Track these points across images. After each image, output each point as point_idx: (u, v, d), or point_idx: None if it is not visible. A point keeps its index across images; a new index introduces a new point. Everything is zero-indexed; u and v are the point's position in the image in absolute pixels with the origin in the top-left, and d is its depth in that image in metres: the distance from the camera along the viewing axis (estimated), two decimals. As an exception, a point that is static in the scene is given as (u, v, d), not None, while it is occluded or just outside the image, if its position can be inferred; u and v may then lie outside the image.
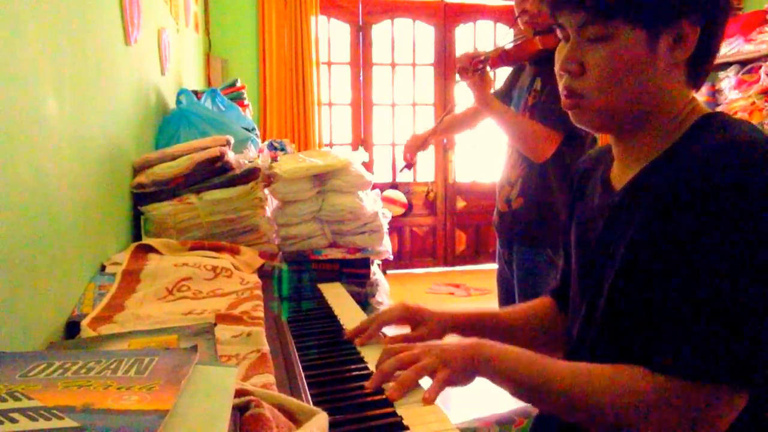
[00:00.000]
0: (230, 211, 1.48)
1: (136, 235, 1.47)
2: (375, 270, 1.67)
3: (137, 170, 1.51)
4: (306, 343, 0.98)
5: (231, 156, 1.59)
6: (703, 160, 0.67)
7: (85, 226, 1.12)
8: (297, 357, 0.88)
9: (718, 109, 3.25)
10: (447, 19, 5.09)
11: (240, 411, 0.53)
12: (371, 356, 0.90)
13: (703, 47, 0.75)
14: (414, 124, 5.15)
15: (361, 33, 4.93)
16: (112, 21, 1.40)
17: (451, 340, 0.91)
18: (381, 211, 1.73)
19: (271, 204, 1.69)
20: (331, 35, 4.87)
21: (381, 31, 5.02)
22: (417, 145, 2.00)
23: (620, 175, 0.83)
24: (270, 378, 0.75)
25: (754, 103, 3.45)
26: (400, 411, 0.72)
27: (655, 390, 0.66)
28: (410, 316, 0.99)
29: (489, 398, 1.26)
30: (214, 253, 1.32)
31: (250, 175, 1.53)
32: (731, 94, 3.66)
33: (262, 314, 0.99)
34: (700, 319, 0.64)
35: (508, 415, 1.04)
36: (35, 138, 0.88)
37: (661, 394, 0.66)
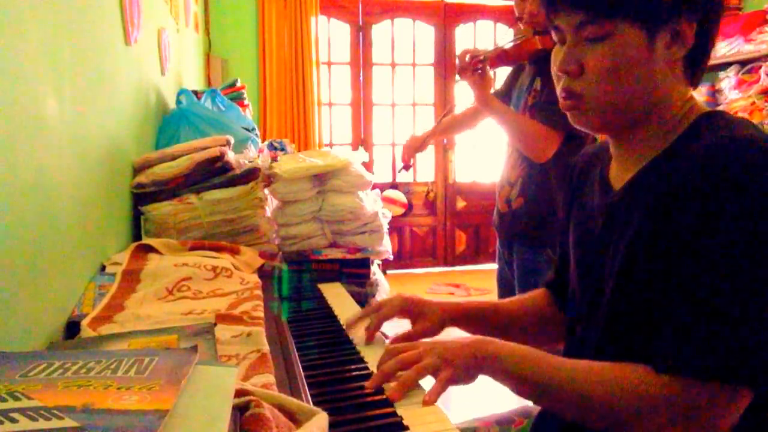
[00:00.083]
0: (230, 211, 1.48)
1: (136, 235, 1.47)
2: (375, 270, 1.67)
3: (137, 170, 1.51)
4: (306, 343, 0.98)
5: (231, 156, 1.59)
6: (703, 158, 0.67)
7: (85, 226, 1.12)
8: (297, 357, 0.88)
9: (718, 109, 3.25)
10: (447, 19, 5.09)
11: (240, 411, 0.53)
12: (371, 356, 0.90)
13: (699, 44, 0.75)
14: (414, 124, 5.15)
15: (361, 33, 4.93)
16: (112, 21, 1.39)
17: (451, 333, 0.92)
18: (381, 211, 1.73)
19: (271, 204, 1.69)
20: (331, 35, 4.87)
21: (381, 31, 5.02)
22: (415, 146, 2.00)
23: (619, 175, 0.83)
24: (270, 378, 0.75)
25: (754, 103, 3.45)
26: (400, 411, 0.72)
27: (659, 389, 0.66)
28: (409, 308, 0.99)
29: (489, 398, 1.26)
30: (214, 253, 1.32)
31: (250, 175, 1.53)
32: (731, 94, 3.66)
33: (262, 314, 0.99)
34: (702, 318, 0.65)
35: (508, 415, 1.04)
36: (35, 138, 0.88)
37: (665, 393, 0.66)
